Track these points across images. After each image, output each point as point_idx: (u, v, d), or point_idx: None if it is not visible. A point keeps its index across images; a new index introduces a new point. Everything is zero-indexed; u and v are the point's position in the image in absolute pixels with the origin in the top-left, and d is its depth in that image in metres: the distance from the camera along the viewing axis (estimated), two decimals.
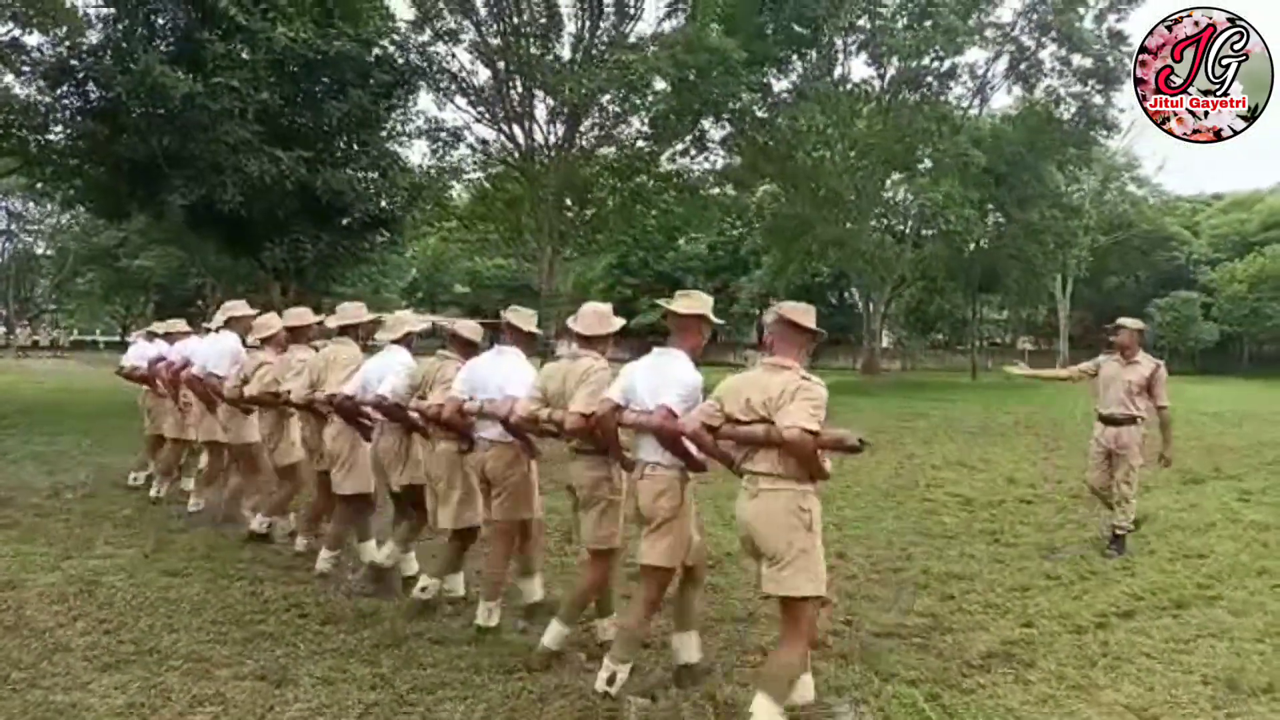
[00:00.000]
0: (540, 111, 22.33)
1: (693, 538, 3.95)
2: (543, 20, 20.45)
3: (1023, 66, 27.92)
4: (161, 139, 15.34)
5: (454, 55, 21.42)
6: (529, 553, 4.87)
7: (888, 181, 30.66)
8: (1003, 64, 28.36)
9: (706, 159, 25.64)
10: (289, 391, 5.73)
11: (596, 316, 4.32)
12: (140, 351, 8.38)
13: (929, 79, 27.02)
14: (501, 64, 21.27)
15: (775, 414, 3.36)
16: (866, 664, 4.17)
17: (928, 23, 24.49)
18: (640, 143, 23.60)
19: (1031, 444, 12.72)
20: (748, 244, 40.26)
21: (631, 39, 21.22)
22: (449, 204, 23.94)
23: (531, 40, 20.63)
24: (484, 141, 23.08)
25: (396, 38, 19.55)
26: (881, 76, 27.42)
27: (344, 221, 16.81)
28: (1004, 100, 33.58)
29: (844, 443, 3.31)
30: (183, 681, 3.86)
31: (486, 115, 22.41)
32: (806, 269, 34.39)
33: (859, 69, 54.43)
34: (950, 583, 5.56)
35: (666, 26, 21.24)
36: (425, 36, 21.01)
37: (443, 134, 21.98)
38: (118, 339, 53.84)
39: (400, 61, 19.49)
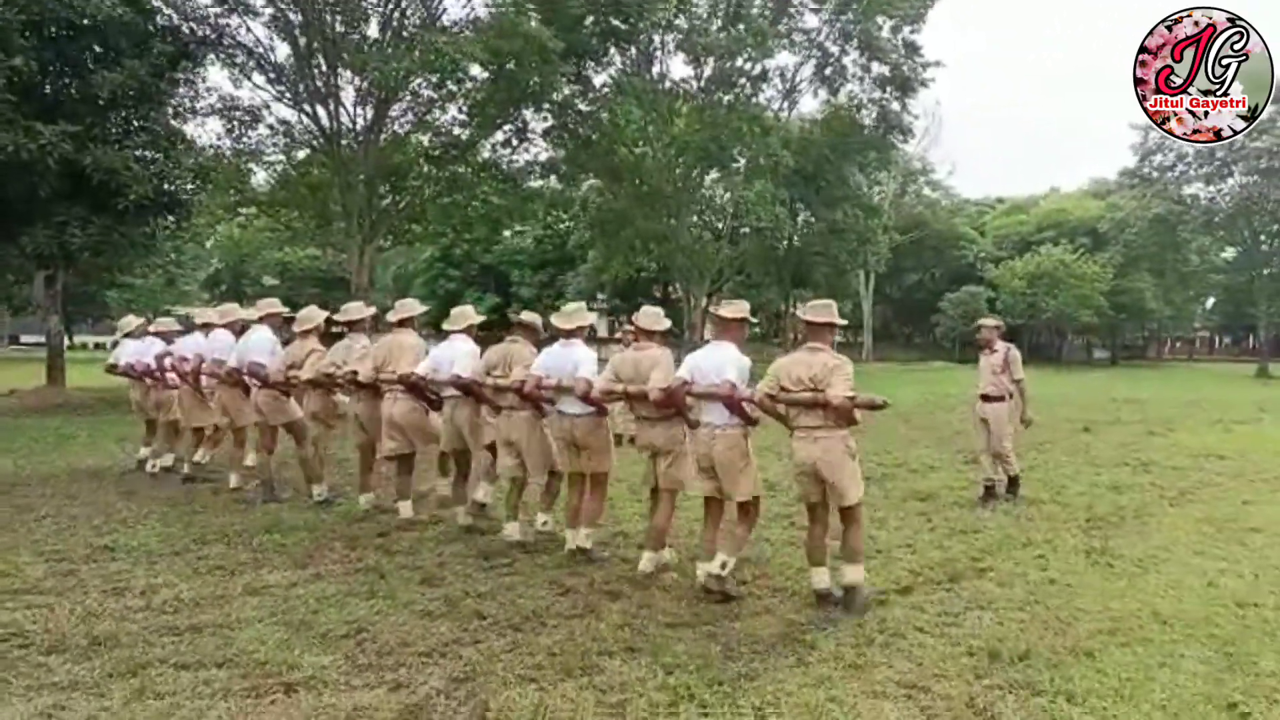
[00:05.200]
0: (348, 93, 21.12)
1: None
2: None
3: (828, 72, 29.26)
4: None
5: (249, 28, 19.83)
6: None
7: (706, 179, 31.37)
8: (809, 69, 29.65)
9: (528, 150, 25.22)
10: (354, 372, 6.76)
11: (654, 316, 5.70)
12: (139, 349, 8.83)
13: (742, 80, 27.79)
14: (303, 40, 19.91)
15: (821, 384, 4.73)
16: (653, 656, 4.07)
17: (740, 25, 25.18)
18: (457, 130, 22.83)
19: None
20: (574, 238, 40.17)
21: (445, 21, 20.46)
22: (247, 189, 22.23)
23: (335, 16, 19.42)
24: (285, 122, 21.54)
25: (182, 6, 17.91)
26: (698, 77, 27.97)
27: (119, 205, 15.15)
28: (811, 104, 35.21)
29: (874, 403, 4.72)
30: None
31: (287, 94, 20.93)
32: (631, 263, 34.67)
33: (678, 68, 55.68)
34: (743, 567, 5.58)
35: (482, 11, 20.60)
36: (219, 9, 19.27)
37: (238, 113, 20.35)
38: None
39: (185, 32, 17.93)
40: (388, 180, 22.61)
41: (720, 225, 33.78)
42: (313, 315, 7.56)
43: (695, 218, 31.94)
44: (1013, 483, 8.13)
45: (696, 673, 3.88)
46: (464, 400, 6.35)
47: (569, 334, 5.89)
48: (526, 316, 6.46)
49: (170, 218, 17.58)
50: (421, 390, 6.51)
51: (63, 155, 14.01)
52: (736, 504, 5.13)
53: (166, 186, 16.30)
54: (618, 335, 35.63)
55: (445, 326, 6.61)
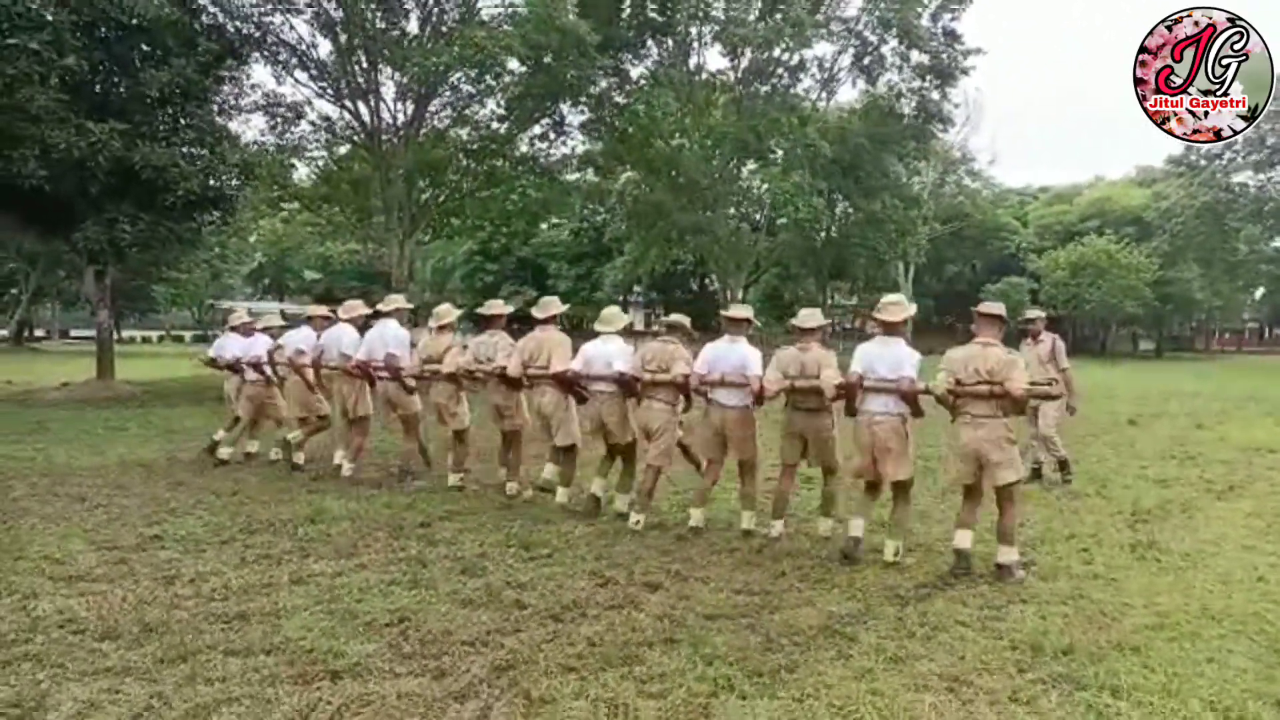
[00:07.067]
0: (388, 89, 21.35)
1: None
2: None
3: (866, 61, 28.85)
4: None
5: (292, 26, 20.11)
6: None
7: (743, 171, 31.14)
8: (848, 58, 29.26)
9: (565, 143, 25.25)
10: (502, 368, 7.17)
11: (813, 315, 6.16)
12: (246, 344, 9.15)
13: (780, 71, 27.55)
14: (344, 36, 20.14)
15: (998, 377, 5.20)
16: (693, 647, 4.08)
17: (778, 15, 24.95)
18: (495, 124, 22.95)
19: None
20: (611, 230, 40.28)
21: (484, 16, 20.55)
22: (289, 184, 22.56)
23: (376, 13, 19.62)
24: (327, 118, 21.83)
25: (227, 4, 18.21)
26: (735, 68, 27.78)
27: (167, 201, 15.47)
28: (849, 94, 34.76)
29: (1049, 393, 5.66)
30: None
31: (329, 91, 21.20)
32: (667, 256, 34.61)
33: (715, 59, 55.38)
34: (783, 559, 5.59)
35: (520, 5, 20.63)
36: (262, 7, 19.54)
37: (281, 109, 20.66)
38: None
39: (230, 30, 18.23)
40: (427, 175, 22.81)
41: (758, 216, 33.57)
42: (450, 311, 8.02)
43: (732, 209, 31.72)
44: (1064, 465, 8.44)
45: (736, 664, 3.89)
46: (613, 395, 6.80)
47: (736, 325, 6.41)
48: (676, 318, 6.92)
49: (216, 213, 17.87)
50: (573, 385, 6.94)
51: (113, 153, 14.32)
52: (894, 485, 5.62)
53: (212, 182, 16.56)
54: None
55: (598, 327, 7.04)
